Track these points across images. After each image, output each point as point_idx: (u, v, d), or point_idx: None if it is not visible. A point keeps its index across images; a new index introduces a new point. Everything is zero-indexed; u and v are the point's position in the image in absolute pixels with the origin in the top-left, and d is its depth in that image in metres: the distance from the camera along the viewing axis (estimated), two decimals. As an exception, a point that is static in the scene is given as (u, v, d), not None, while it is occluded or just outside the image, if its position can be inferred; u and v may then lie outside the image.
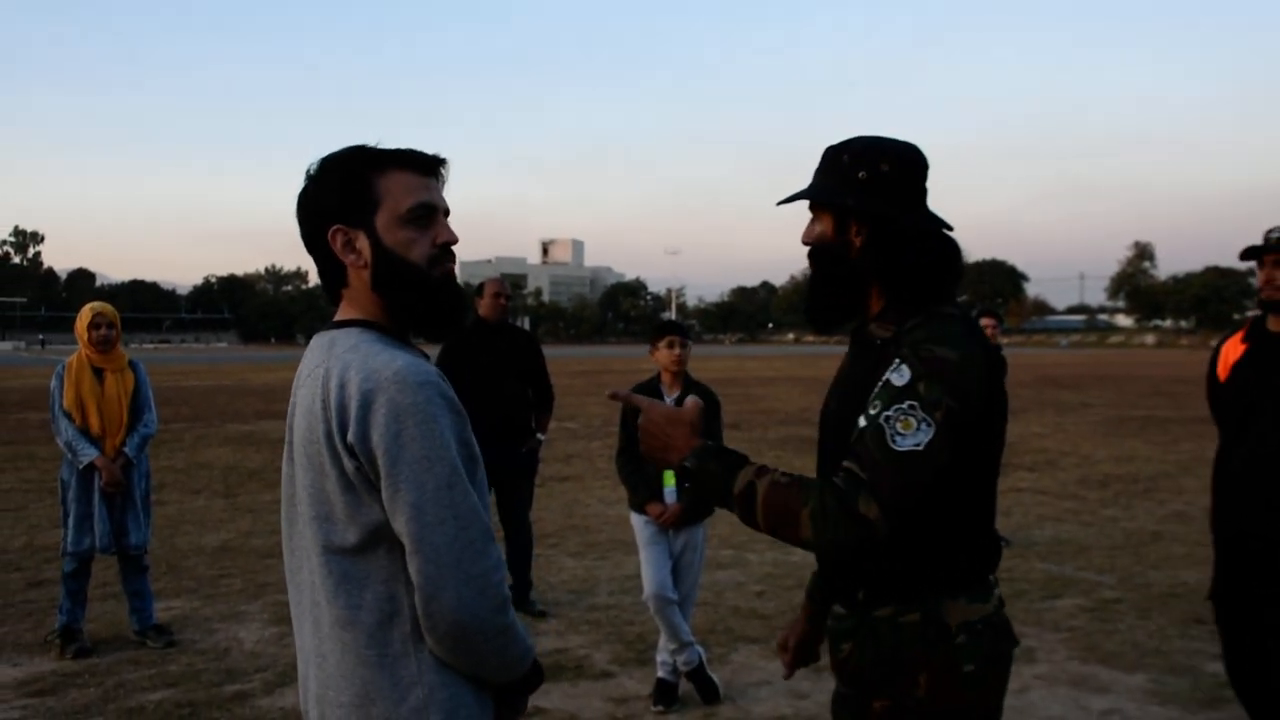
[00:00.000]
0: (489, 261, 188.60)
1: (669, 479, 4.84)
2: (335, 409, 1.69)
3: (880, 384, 2.00)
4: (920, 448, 1.91)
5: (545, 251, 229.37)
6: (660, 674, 5.01)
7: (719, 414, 5.15)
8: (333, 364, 1.74)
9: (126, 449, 5.75)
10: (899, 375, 1.98)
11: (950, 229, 2.20)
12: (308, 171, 1.88)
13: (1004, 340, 9.13)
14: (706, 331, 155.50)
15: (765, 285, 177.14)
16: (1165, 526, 9.28)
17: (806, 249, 2.22)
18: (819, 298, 2.23)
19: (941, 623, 2.06)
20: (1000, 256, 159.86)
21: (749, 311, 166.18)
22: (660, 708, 4.89)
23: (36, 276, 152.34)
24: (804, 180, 2.23)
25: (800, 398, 25.36)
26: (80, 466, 5.65)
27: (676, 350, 5.04)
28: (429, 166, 1.89)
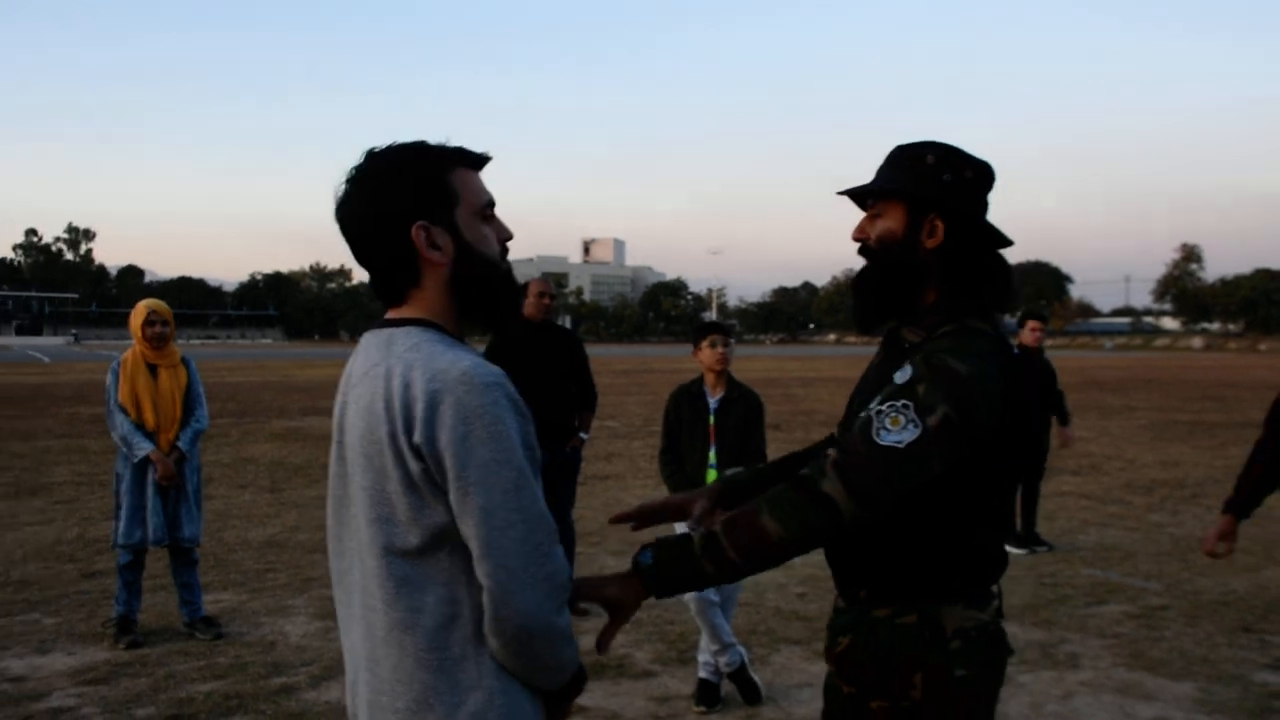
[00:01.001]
0: (530, 260, 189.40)
1: (711, 477, 4.85)
2: (400, 409, 1.67)
3: (889, 384, 2.04)
4: (900, 445, 1.93)
5: (587, 250, 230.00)
6: (702, 674, 5.03)
7: (761, 416, 5.16)
8: (393, 363, 1.72)
9: (180, 443, 5.86)
10: (901, 374, 2.02)
11: (1012, 245, 2.21)
12: (364, 170, 1.83)
13: (1047, 343, 9.06)
14: (747, 332, 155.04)
15: (806, 286, 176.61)
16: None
17: (859, 245, 2.21)
18: (877, 295, 2.18)
19: (937, 626, 2.08)
20: (1045, 258, 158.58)
21: (790, 312, 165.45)
22: (702, 708, 4.91)
23: (88, 273, 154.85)
24: (849, 181, 2.24)
25: (841, 399, 25.03)
26: (135, 460, 5.76)
27: (720, 350, 5.07)
28: (482, 163, 1.91)
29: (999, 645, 2.15)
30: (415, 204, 1.80)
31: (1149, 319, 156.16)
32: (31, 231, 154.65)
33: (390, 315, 1.86)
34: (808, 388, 30.84)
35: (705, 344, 5.10)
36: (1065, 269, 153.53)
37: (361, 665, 1.80)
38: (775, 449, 4.15)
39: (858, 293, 2.23)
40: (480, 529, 1.65)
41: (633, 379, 34.81)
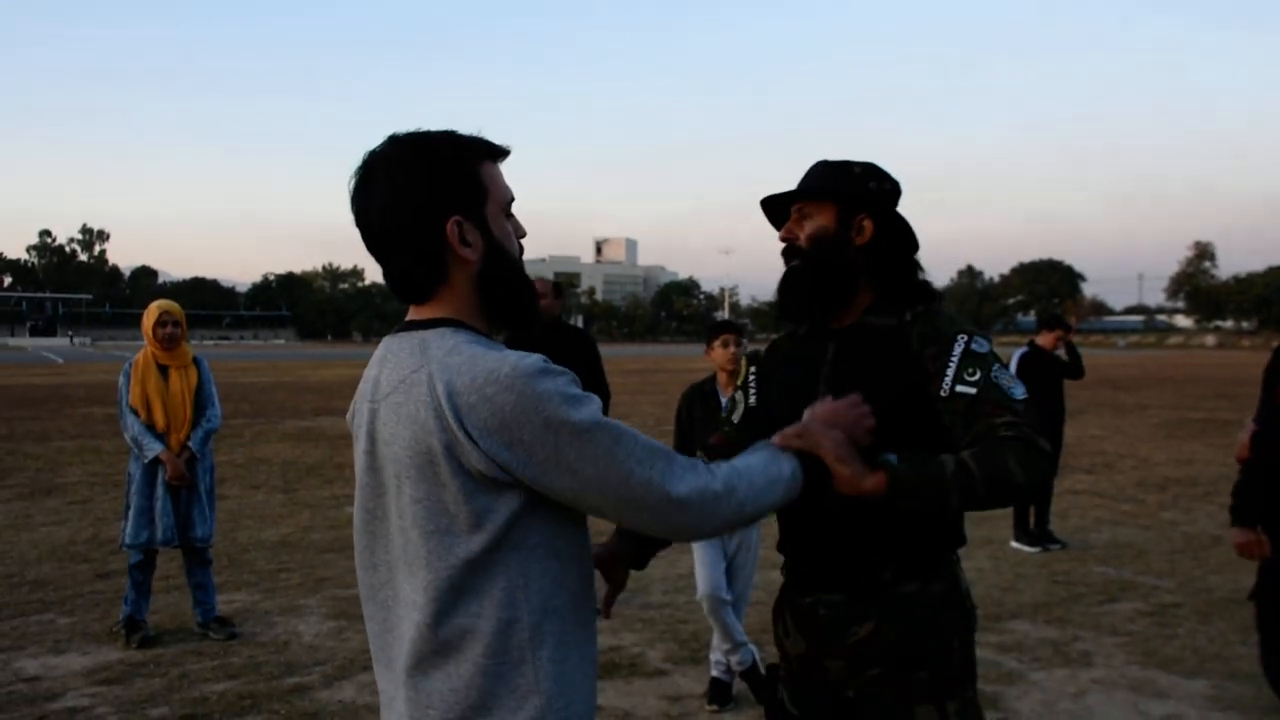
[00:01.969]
0: (543, 260, 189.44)
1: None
2: (452, 416, 1.60)
3: (957, 356, 2.14)
4: (1025, 396, 2.10)
5: (599, 250, 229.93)
6: (714, 673, 5.03)
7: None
8: (435, 369, 1.64)
9: (191, 443, 5.89)
10: (979, 344, 2.17)
11: (919, 248, 2.40)
12: (391, 158, 1.73)
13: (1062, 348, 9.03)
14: (760, 331, 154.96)
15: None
16: (1226, 531, 9.12)
17: (786, 245, 2.34)
18: (811, 290, 2.29)
19: (961, 588, 2.28)
20: (1057, 257, 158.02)
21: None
22: (714, 706, 4.91)
23: (102, 274, 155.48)
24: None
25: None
26: (146, 461, 5.78)
27: (732, 349, 5.07)
28: (504, 156, 1.83)
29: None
30: (451, 197, 1.72)
31: (1162, 317, 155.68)
32: (46, 233, 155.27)
33: (415, 316, 1.78)
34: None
35: (718, 343, 5.11)
36: (1078, 267, 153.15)
37: (401, 683, 1.71)
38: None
39: (790, 289, 2.34)
40: (609, 496, 1.64)
41: (645, 379, 34.81)
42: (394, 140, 1.76)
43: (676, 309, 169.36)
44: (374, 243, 1.77)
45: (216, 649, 5.71)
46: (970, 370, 2.12)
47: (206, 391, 6.03)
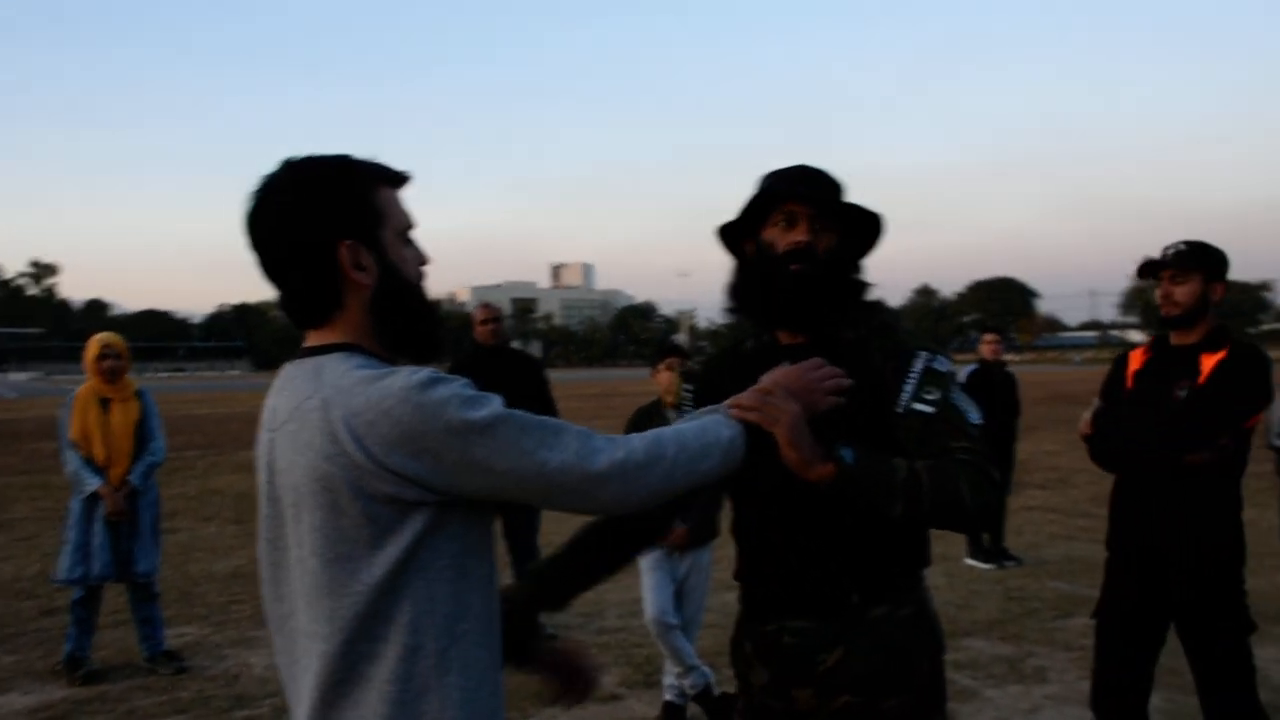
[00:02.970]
0: (499, 286, 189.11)
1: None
2: (350, 439, 1.59)
3: (917, 373, 2.10)
4: (981, 422, 2.08)
5: (556, 275, 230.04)
6: (667, 697, 5.00)
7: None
8: (328, 394, 1.62)
9: (131, 477, 5.79)
10: (940, 363, 2.13)
11: None
12: (283, 182, 1.73)
13: (1014, 358, 9.13)
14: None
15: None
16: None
17: (800, 249, 2.17)
18: (830, 300, 2.20)
19: (929, 611, 2.22)
20: (1010, 274, 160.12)
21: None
22: (668, 731, 4.88)
23: (51, 307, 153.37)
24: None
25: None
26: (84, 496, 5.69)
27: (676, 372, 5.05)
28: (403, 182, 1.82)
29: None
30: (343, 221, 1.71)
31: (1115, 332, 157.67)
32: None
33: (311, 342, 1.76)
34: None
35: (663, 366, 5.09)
36: (1032, 284, 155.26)
37: (309, 714, 1.68)
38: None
39: (801, 296, 2.18)
40: (528, 485, 1.64)
41: (602, 403, 34.73)
42: (287, 165, 1.75)
43: (634, 333, 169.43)
44: (267, 267, 1.76)
45: (164, 684, 5.61)
46: (929, 389, 2.09)
47: (150, 425, 5.94)
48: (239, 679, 5.67)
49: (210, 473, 15.80)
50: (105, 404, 5.83)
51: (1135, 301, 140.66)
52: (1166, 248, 3.68)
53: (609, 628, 6.64)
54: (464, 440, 1.59)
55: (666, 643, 4.91)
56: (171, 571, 8.11)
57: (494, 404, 1.65)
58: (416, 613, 1.63)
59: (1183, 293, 3.61)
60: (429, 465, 1.59)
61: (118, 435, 5.81)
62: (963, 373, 8.77)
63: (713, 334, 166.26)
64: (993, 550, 8.32)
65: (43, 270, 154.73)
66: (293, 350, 1.86)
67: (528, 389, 6.77)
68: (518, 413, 1.66)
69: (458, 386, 1.64)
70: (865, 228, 2.26)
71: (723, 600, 7.00)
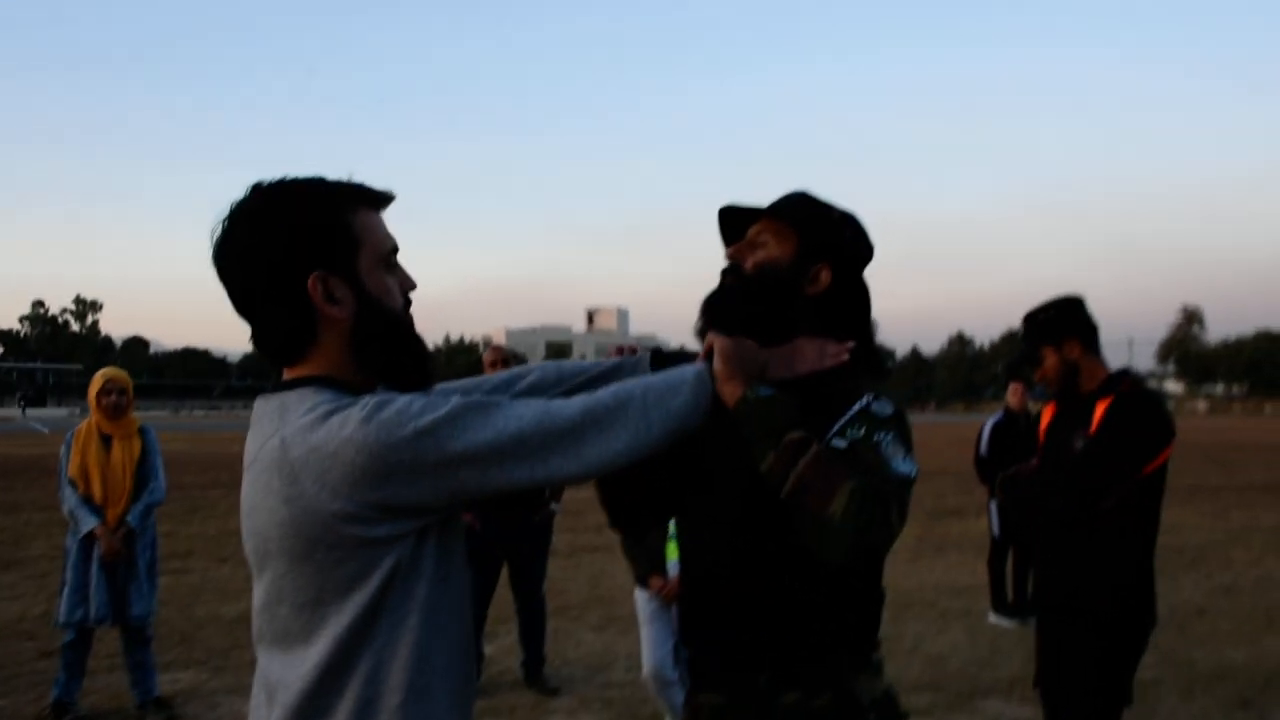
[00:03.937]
0: (534, 330, 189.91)
1: (672, 551, 4.67)
2: (313, 478, 1.49)
3: (850, 413, 1.89)
4: (911, 476, 1.84)
5: (591, 320, 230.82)
6: (668, 756, 4.80)
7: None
8: (288, 433, 1.52)
9: (129, 518, 5.67)
10: (880, 406, 1.89)
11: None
12: (249, 208, 1.61)
13: (1036, 406, 8.88)
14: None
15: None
16: (1212, 601, 8.92)
17: (728, 264, 2.08)
18: (744, 317, 1.98)
19: (856, 702, 1.90)
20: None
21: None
22: (668, 791, 4.68)
23: (94, 343, 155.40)
24: None
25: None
26: (80, 535, 5.58)
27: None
28: (386, 203, 1.69)
29: (901, 711, 1.98)
30: (312, 251, 1.58)
31: (1153, 382, 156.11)
32: (39, 303, 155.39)
33: (286, 376, 1.65)
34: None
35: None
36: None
37: None
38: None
39: (714, 308, 2.07)
40: (512, 456, 1.55)
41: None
42: (255, 190, 1.63)
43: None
44: (234, 300, 1.64)
45: (154, 732, 5.46)
46: (855, 427, 1.86)
47: (151, 463, 5.83)
48: (231, 727, 5.52)
49: (231, 513, 15.70)
50: (106, 441, 5.74)
51: (1172, 350, 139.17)
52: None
53: (616, 681, 6.43)
54: (435, 438, 1.50)
55: (665, 698, 4.75)
56: (176, 613, 7.99)
57: (451, 398, 1.56)
58: (376, 664, 1.54)
59: (1047, 368, 3.70)
60: (403, 481, 1.49)
61: (117, 473, 5.70)
62: (988, 422, 8.55)
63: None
64: (1017, 606, 8.05)
65: (87, 307, 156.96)
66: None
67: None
68: (476, 398, 1.58)
69: (410, 398, 1.55)
70: (836, 253, 2.05)
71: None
